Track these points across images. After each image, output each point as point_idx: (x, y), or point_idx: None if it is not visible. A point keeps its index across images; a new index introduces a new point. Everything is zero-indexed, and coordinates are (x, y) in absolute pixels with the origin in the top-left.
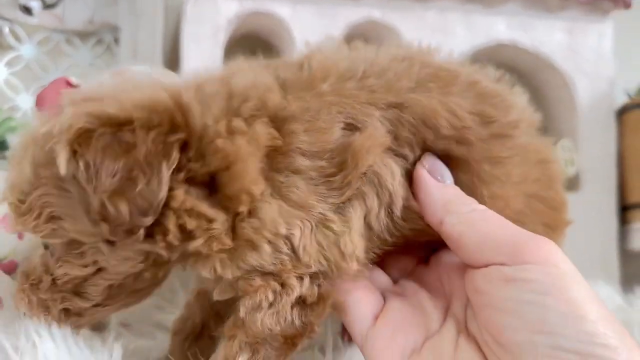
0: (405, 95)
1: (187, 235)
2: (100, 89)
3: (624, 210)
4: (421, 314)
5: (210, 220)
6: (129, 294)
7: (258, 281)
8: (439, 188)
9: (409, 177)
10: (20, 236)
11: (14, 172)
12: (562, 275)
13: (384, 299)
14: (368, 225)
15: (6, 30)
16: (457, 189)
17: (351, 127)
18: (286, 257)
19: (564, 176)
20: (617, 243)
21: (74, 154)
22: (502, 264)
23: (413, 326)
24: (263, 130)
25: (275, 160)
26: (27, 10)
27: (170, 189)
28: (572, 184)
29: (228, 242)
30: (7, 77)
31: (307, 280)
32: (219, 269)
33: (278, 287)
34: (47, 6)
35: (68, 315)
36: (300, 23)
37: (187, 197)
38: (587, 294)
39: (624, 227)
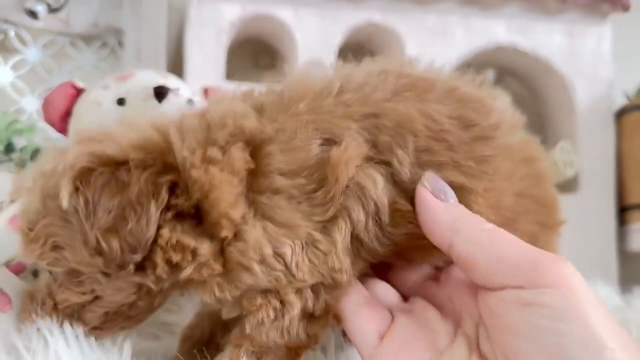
0: (381, 105)
1: (174, 267)
2: (102, 128)
3: (623, 211)
4: (429, 331)
5: (194, 250)
6: (124, 319)
7: (259, 299)
8: (444, 209)
9: (394, 181)
10: None
11: (26, 202)
12: (580, 300)
13: (392, 316)
14: (357, 238)
15: (12, 33)
16: (463, 208)
17: (329, 142)
18: (281, 274)
19: (553, 175)
20: (616, 244)
21: (75, 190)
22: (518, 287)
23: (420, 344)
24: (238, 155)
25: (256, 182)
26: (32, 14)
27: (159, 227)
28: (571, 185)
29: (217, 267)
30: (13, 80)
31: (308, 293)
32: (217, 293)
33: (278, 305)
34: (52, 10)
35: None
36: (302, 26)
37: (172, 234)
38: (605, 319)
39: (622, 228)
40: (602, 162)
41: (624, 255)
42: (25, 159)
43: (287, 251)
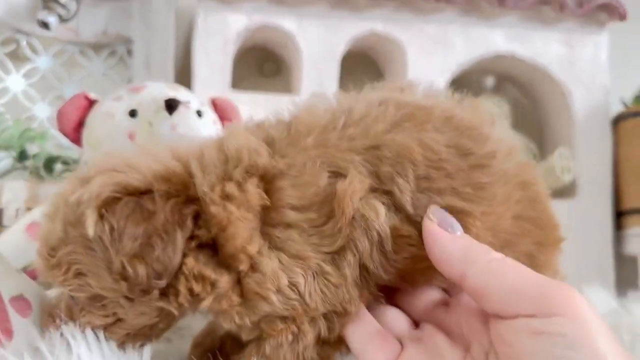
0: (382, 137)
1: (195, 297)
2: (123, 158)
3: (619, 216)
4: (437, 358)
5: (214, 283)
6: (144, 338)
7: (279, 324)
8: (453, 240)
9: (396, 208)
10: None
11: (46, 228)
12: (590, 329)
13: (402, 344)
14: (364, 266)
15: (23, 43)
16: (470, 239)
17: (336, 175)
18: (296, 303)
19: (548, 197)
20: (613, 248)
21: (101, 218)
22: (530, 316)
23: None
24: (254, 191)
25: (269, 216)
26: (45, 25)
27: (183, 255)
28: (569, 190)
29: (235, 298)
30: (25, 88)
31: (321, 321)
32: (237, 320)
33: (296, 330)
34: (62, 20)
35: None
36: (306, 36)
37: (196, 264)
38: (614, 347)
39: (619, 232)
40: (599, 167)
41: (621, 259)
42: (39, 167)
43: (301, 281)
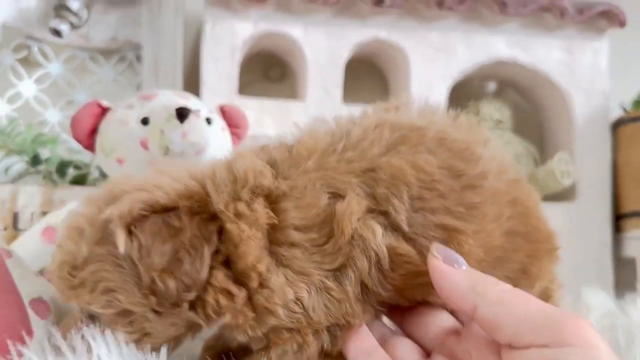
0: (378, 160)
1: (220, 310)
2: (146, 178)
3: (618, 219)
4: None
5: (234, 297)
6: (168, 349)
7: (285, 334)
8: (460, 275)
9: (392, 228)
10: None
11: (67, 249)
12: (600, 359)
13: None
14: (364, 284)
15: (35, 49)
16: (478, 272)
17: (335, 196)
18: (301, 316)
19: (540, 210)
20: (612, 250)
21: (129, 235)
22: (543, 346)
23: None
24: (262, 211)
25: (275, 235)
26: (57, 32)
27: (211, 268)
28: (569, 194)
29: (250, 313)
30: (37, 94)
31: (324, 334)
32: (250, 332)
33: (301, 340)
34: (74, 27)
35: None
36: (311, 43)
37: (223, 278)
38: None
39: (617, 235)
40: (598, 171)
41: (620, 262)
42: (52, 171)
43: (305, 295)
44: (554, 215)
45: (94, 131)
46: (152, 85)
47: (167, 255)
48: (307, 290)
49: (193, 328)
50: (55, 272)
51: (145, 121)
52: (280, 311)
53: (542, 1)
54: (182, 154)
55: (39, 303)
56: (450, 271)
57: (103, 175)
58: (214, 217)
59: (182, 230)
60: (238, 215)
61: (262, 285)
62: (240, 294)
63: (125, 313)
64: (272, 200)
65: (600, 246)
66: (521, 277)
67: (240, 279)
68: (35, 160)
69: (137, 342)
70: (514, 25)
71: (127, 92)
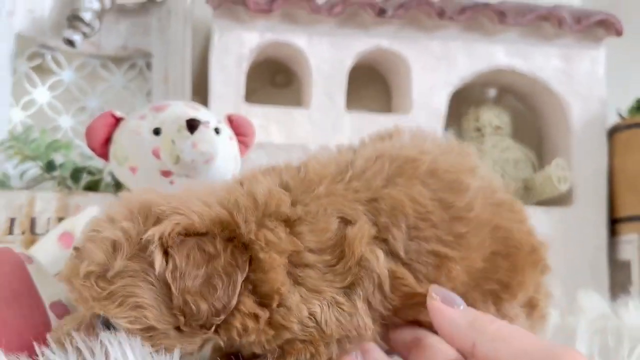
0: (380, 191)
1: (246, 332)
2: (179, 200)
3: (614, 223)
4: None
5: (259, 319)
6: None
7: (299, 345)
8: (459, 314)
9: (391, 254)
10: None
11: (92, 259)
12: None
13: None
14: (368, 302)
15: (48, 57)
16: (475, 310)
17: (344, 221)
18: (314, 330)
19: (521, 228)
20: (607, 253)
21: (165, 256)
22: None
23: None
24: (287, 239)
25: (292, 258)
26: (70, 43)
27: (240, 295)
28: (566, 198)
29: (270, 331)
30: (50, 100)
31: (334, 346)
32: (266, 346)
33: (314, 351)
34: (86, 37)
35: None
36: (315, 52)
37: (252, 304)
38: None
39: (613, 239)
40: (595, 177)
41: (615, 264)
42: (66, 177)
43: (317, 310)
44: (551, 220)
45: (107, 140)
46: (161, 91)
47: (201, 279)
48: (319, 305)
49: (207, 344)
50: (78, 280)
51: (157, 131)
52: (296, 327)
53: (541, 11)
54: (192, 162)
55: (58, 306)
56: (450, 311)
57: (115, 181)
58: (244, 245)
59: (217, 256)
60: (268, 244)
61: (279, 304)
62: (265, 315)
63: (148, 329)
64: (290, 225)
65: (596, 249)
66: (502, 291)
67: (263, 301)
68: (50, 166)
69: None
70: (513, 35)
71: (137, 98)
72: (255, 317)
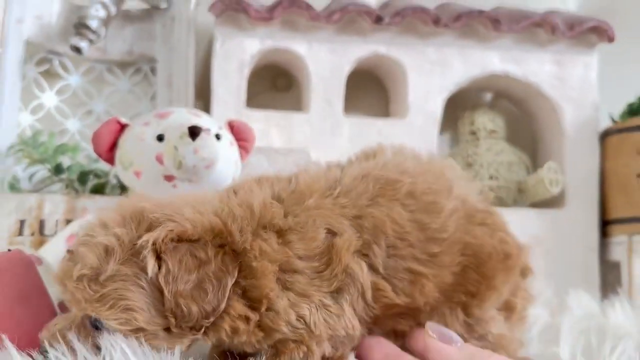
0: (364, 210)
1: (236, 334)
2: (172, 207)
3: (605, 225)
4: None
5: (250, 321)
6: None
7: (291, 345)
8: (457, 351)
9: (372, 269)
10: None
11: (84, 263)
12: None
13: None
14: (353, 307)
15: (56, 62)
16: (470, 346)
17: (331, 232)
18: (303, 331)
19: (496, 237)
20: (598, 255)
21: (158, 261)
22: None
23: None
24: (279, 249)
25: (282, 264)
26: (77, 49)
27: (229, 299)
28: (558, 201)
29: (260, 333)
30: (57, 104)
31: (326, 344)
32: (257, 345)
33: (306, 349)
34: (92, 43)
35: None
36: (314, 58)
37: (241, 307)
38: None
39: (604, 240)
40: (587, 180)
41: (606, 265)
42: (73, 180)
43: (306, 313)
44: (544, 221)
45: (113, 146)
46: (165, 95)
47: (192, 283)
48: (308, 308)
49: (194, 344)
50: (71, 282)
51: (160, 138)
52: (285, 329)
53: (534, 18)
54: (194, 167)
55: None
56: (448, 349)
57: (121, 184)
58: (234, 252)
59: (208, 262)
60: (262, 253)
61: (268, 308)
62: (255, 317)
63: (137, 330)
64: (281, 234)
65: (588, 250)
66: (470, 300)
67: (253, 305)
68: (57, 169)
69: None
70: (507, 41)
71: (142, 102)
72: (246, 319)
